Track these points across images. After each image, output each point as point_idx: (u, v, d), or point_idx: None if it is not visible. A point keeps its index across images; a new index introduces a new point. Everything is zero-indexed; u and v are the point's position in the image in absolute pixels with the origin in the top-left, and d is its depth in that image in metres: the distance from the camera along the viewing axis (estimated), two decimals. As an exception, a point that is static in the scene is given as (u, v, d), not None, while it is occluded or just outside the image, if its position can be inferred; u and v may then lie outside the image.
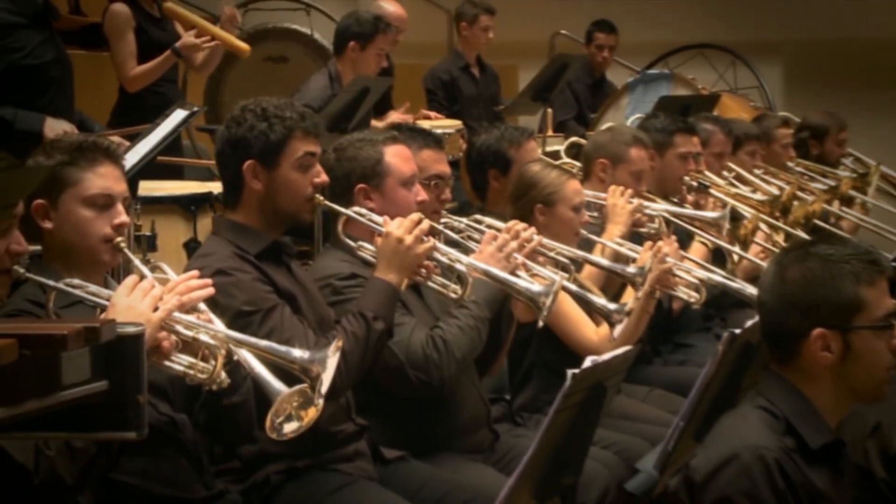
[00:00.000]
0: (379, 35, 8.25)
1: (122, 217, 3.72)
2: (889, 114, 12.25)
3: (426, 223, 4.42)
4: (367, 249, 4.49)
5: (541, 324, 4.56)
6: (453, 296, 4.48)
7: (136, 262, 3.81)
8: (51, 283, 3.47)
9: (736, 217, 6.49)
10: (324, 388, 3.55)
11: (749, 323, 3.72)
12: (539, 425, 3.31)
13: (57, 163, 3.68)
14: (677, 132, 6.80)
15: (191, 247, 6.35)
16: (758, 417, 3.30)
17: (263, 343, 3.55)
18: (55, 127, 5.99)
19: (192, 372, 3.36)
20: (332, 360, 3.57)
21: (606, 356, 3.43)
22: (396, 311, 4.39)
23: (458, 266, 4.49)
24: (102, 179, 3.70)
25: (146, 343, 3.02)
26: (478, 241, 4.77)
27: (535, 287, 4.50)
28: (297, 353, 3.54)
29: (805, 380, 3.33)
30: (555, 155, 7.89)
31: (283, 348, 3.55)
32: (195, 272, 3.63)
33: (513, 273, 4.59)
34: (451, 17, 11.57)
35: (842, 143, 9.10)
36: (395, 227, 4.36)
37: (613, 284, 5.50)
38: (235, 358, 3.49)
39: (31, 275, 3.45)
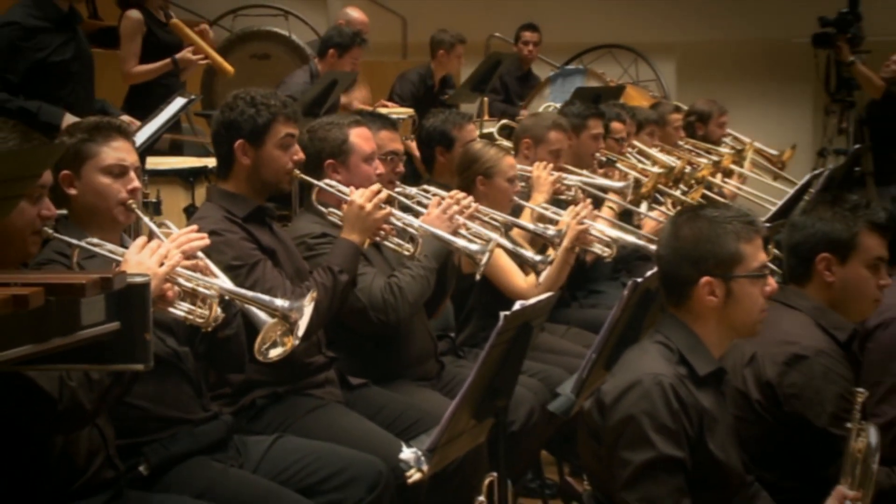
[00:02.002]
0: (355, 47, 8.23)
1: (135, 183, 3.70)
2: (761, 101, 12.32)
3: (384, 193, 4.43)
4: (335, 214, 4.49)
5: (478, 277, 4.57)
6: (406, 253, 4.48)
7: (146, 219, 3.79)
8: (74, 241, 3.46)
9: (638, 184, 6.53)
10: (300, 332, 3.55)
11: (649, 273, 3.72)
12: (477, 358, 3.30)
13: (78, 140, 3.66)
14: (590, 117, 6.88)
15: (189, 211, 6.32)
16: (656, 350, 3.31)
17: (251, 294, 3.54)
18: (71, 122, 5.93)
19: (191, 317, 3.35)
20: (308, 308, 3.56)
21: (532, 301, 3.43)
22: (360, 263, 4.39)
23: (410, 229, 4.49)
24: (117, 152, 3.68)
25: (152, 292, 3.05)
26: (426, 206, 4.77)
27: (473, 246, 4.50)
28: (279, 302, 3.52)
29: (694, 319, 3.34)
30: (489, 136, 7.91)
31: (267, 298, 3.53)
32: (194, 227, 3.61)
33: (455, 232, 4.60)
34: (404, 22, 11.56)
35: (722, 125, 9.12)
36: (358, 196, 4.36)
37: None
38: (228, 298, 3.48)
39: (58, 234, 3.44)
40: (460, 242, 4.53)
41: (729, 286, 3.30)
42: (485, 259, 4.45)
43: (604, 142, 7.09)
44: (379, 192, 4.39)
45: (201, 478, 3.69)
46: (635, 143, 7.63)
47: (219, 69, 7.77)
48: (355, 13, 9.55)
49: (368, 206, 4.33)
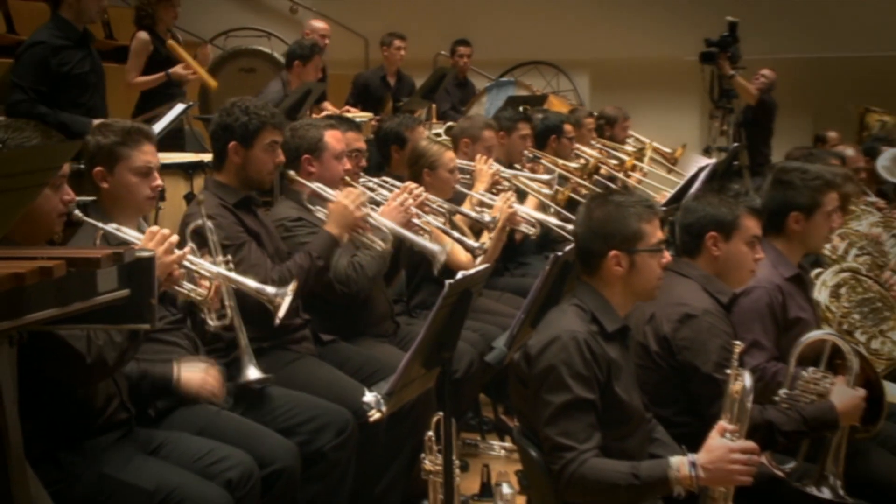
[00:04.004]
0: (315, 56, 8.18)
1: (158, 181, 3.73)
2: (658, 107, 12.33)
3: (365, 197, 4.46)
4: (320, 211, 4.53)
5: (436, 272, 4.56)
6: (377, 248, 4.50)
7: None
8: (100, 224, 3.49)
9: (561, 182, 6.53)
10: (281, 313, 3.65)
11: (567, 248, 3.73)
12: (427, 318, 3.29)
13: (112, 142, 3.66)
14: (519, 121, 6.91)
15: (188, 198, 6.25)
16: (573, 311, 3.31)
17: (245, 281, 3.56)
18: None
19: (192, 295, 3.40)
20: (289, 298, 3.63)
21: (472, 271, 3.42)
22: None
23: (383, 228, 4.51)
24: (145, 155, 3.70)
25: (161, 275, 3.15)
26: (385, 196, 4.79)
27: (435, 247, 4.53)
28: (269, 289, 3.59)
29: (604, 286, 3.35)
30: (438, 135, 7.91)
31: (257, 285, 3.59)
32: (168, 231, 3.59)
33: (410, 220, 4.61)
34: (366, 42, 11.49)
35: (626, 128, 9.11)
36: (344, 197, 4.37)
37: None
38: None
39: (88, 219, 3.47)
40: (427, 244, 4.54)
41: (632, 259, 3.31)
42: (443, 258, 4.49)
43: (558, 142, 7.24)
44: (361, 195, 4.41)
45: (200, 418, 3.68)
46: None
47: (204, 82, 7.76)
48: (318, 23, 9.62)
49: (352, 207, 4.36)
